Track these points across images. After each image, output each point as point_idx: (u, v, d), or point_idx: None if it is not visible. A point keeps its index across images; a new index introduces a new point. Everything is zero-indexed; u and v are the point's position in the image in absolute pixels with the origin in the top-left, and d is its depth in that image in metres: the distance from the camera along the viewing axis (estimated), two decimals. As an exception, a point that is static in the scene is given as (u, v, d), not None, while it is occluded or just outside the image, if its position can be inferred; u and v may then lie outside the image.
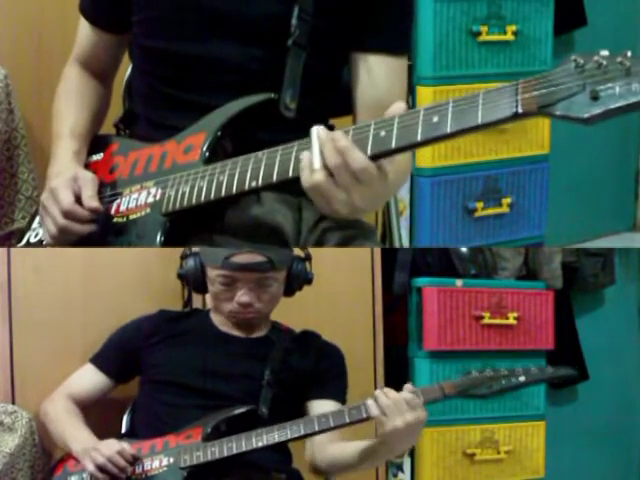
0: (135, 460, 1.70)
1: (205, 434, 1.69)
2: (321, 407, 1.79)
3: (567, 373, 1.64)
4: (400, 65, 1.60)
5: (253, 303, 1.81)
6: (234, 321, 1.86)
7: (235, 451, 1.65)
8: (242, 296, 1.79)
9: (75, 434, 1.81)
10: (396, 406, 1.55)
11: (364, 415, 1.62)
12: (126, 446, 1.70)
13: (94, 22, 1.70)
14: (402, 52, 1.60)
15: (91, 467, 1.68)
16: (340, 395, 1.85)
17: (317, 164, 1.23)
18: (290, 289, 1.88)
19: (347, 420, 1.63)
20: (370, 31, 1.56)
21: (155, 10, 1.57)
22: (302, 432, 1.64)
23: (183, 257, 1.89)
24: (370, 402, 1.58)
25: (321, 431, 1.65)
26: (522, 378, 1.61)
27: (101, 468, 1.68)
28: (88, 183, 1.52)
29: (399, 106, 1.24)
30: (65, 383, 1.93)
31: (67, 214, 1.48)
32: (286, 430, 1.64)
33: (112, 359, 1.93)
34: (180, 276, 1.91)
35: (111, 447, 1.69)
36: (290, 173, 1.32)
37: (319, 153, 1.24)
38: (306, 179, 1.25)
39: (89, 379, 1.92)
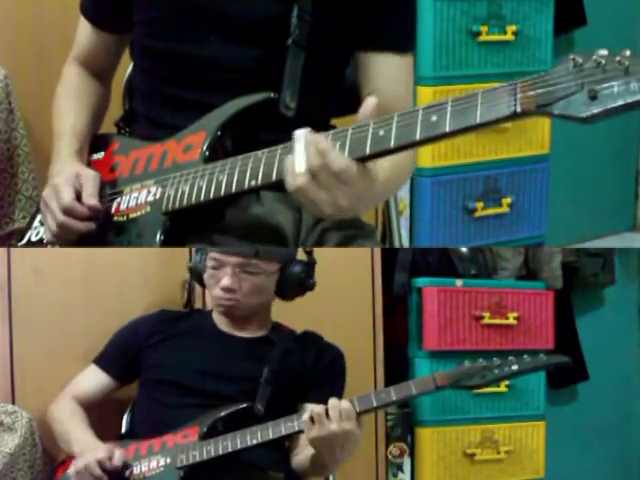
0: (123, 469, 1.69)
1: (202, 433, 1.69)
2: None
3: (561, 360, 1.61)
4: (405, 63, 1.60)
5: (234, 289, 1.79)
6: (220, 311, 1.85)
7: (230, 449, 1.65)
8: (224, 279, 1.79)
9: (77, 436, 1.81)
10: (324, 415, 1.57)
11: None
12: (116, 454, 1.68)
13: (95, 22, 1.70)
14: (407, 50, 1.61)
15: (71, 471, 1.69)
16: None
17: (300, 167, 1.25)
18: (283, 291, 1.86)
19: None
20: (374, 30, 1.56)
21: (156, 11, 1.57)
22: (296, 428, 1.63)
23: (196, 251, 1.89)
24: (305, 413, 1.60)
25: None
26: (515, 367, 1.58)
27: (78, 473, 1.67)
28: (90, 181, 1.52)
29: (370, 101, 1.25)
30: (70, 384, 1.93)
31: (66, 211, 1.48)
32: (280, 427, 1.64)
33: (114, 359, 1.93)
34: (190, 269, 1.92)
35: (95, 454, 1.68)
36: (290, 172, 1.33)
37: (303, 156, 1.25)
38: (290, 182, 1.26)
39: (92, 380, 1.92)
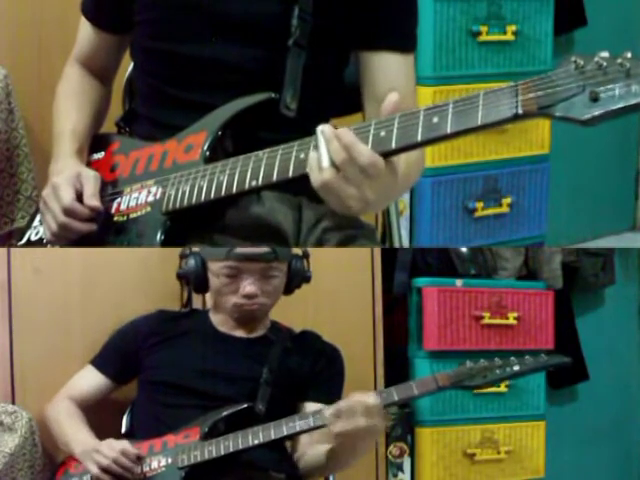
0: (139, 459, 1.70)
1: (203, 433, 1.69)
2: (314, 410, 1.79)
3: (561, 361, 1.61)
4: (408, 62, 1.59)
5: (258, 294, 1.81)
6: (236, 316, 1.85)
7: (232, 449, 1.65)
8: (248, 286, 1.79)
9: (76, 435, 1.81)
10: (351, 409, 1.55)
11: None
12: (128, 445, 1.70)
13: (95, 23, 1.70)
14: (410, 49, 1.60)
15: (95, 470, 1.68)
16: (334, 399, 1.84)
17: (325, 162, 1.23)
18: (289, 286, 1.88)
19: None
20: (377, 30, 1.55)
21: (157, 11, 1.57)
22: (298, 429, 1.63)
23: (182, 257, 1.89)
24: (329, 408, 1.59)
25: (316, 427, 1.65)
26: (516, 367, 1.59)
27: (106, 470, 1.68)
28: (90, 181, 1.52)
29: (392, 96, 1.24)
30: (66, 385, 1.93)
31: (67, 211, 1.48)
32: (282, 427, 1.64)
33: (111, 360, 1.93)
34: (180, 276, 1.91)
35: (113, 447, 1.69)
36: (290, 172, 1.33)
37: (326, 151, 1.23)
38: (315, 178, 1.25)
39: (89, 381, 1.92)
